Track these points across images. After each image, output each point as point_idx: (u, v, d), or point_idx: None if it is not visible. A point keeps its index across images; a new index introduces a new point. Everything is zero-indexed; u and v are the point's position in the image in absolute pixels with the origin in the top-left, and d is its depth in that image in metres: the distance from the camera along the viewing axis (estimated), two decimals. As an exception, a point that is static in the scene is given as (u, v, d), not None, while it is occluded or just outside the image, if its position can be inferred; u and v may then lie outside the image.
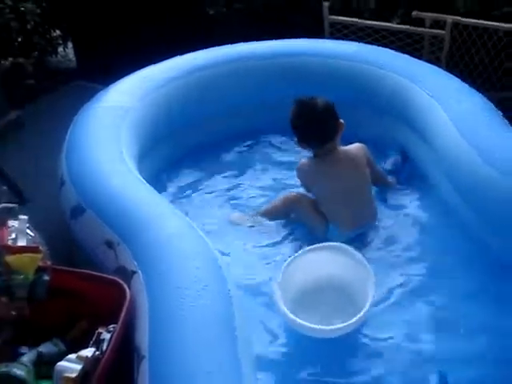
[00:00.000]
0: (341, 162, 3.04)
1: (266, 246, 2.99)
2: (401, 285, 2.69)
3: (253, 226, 3.11)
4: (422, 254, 2.88)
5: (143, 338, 2.02)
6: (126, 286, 2.22)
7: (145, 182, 2.76)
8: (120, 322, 2.10)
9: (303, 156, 3.18)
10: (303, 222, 3.08)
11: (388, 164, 3.37)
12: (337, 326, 2.33)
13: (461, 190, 2.95)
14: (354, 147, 3.10)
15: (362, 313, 2.33)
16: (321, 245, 2.65)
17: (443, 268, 2.80)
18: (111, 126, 3.09)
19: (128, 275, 2.31)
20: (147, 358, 1.93)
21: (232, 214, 3.21)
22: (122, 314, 2.12)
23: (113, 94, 3.38)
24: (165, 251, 2.28)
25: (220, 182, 3.50)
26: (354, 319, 2.32)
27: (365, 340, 2.45)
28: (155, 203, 2.58)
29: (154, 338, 1.97)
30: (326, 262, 2.57)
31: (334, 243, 2.66)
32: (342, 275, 2.55)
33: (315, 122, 2.99)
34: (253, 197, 3.36)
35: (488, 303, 2.59)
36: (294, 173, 3.22)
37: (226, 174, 3.55)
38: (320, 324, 2.35)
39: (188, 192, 3.41)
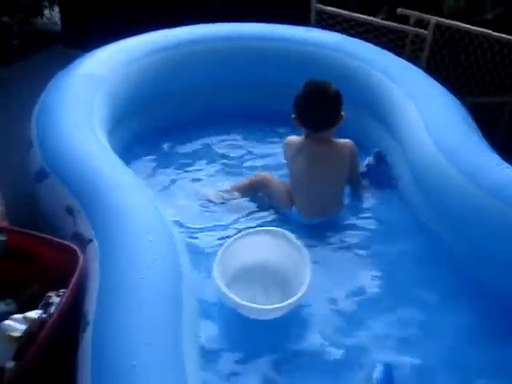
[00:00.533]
0: (325, 152, 3.07)
1: (231, 222, 3.03)
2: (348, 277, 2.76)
3: (223, 203, 3.16)
4: (378, 252, 2.92)
5: (91, 305, 2.04)
6: (79, 253, 2.24)
7: (112, 151, 2.77)
8: (70, 288, 2.12)
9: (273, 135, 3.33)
10: (271, 200, 3.14)
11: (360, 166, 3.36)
12: (267, 307, 2.36)
13: (425, 192, 3.00)
14: (343, 143, 3.12)
15: (294, 298, 2.36)
16: (262, 229, 2.69)
17: (396, 267, 2.84)
18: (84, 94, 3.09)
19: (84, 242, 2.33)
20: (91, 325, 1.96)
21: (203, 188, 3.25)
22: (73, 280, 2.14)
23: (89, 62, 3.38)
24: (122, 222, 2.30)
25: (190, 158, 3.54)
26: (286, 303, 2.35)
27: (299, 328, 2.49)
28: (119, 174, 2.59)
29: (101, 306, 2.00)
30: (266, 245, 2.60)
31: (275, 228, 2.69)
32: (279, 260, 2.58)
33: (320, 107, 3.00)
34: (222, 173, 3.42)
35: (438, 301, 2.66)
36: (264, 153, 3.38)
37: (196, 151, 3.60)
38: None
39: (158, 166, 3.44)
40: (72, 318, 2.11)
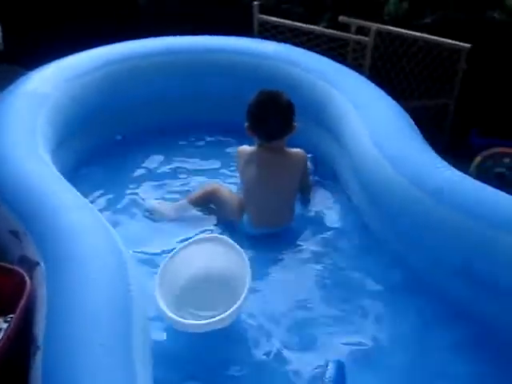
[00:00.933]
0: (276, 161, 3.09)
1: (183, 235, 2.99)
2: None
3: (172, 217, 3.16)
4: (331, 261, 2.94)
5: (40, 330, 2.01)
6: (26, 276, 2.21)
7: (56, 171, 2.74)
8: (17, 312, 2.09)
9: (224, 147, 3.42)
10: (221, 210, 3.15)
11: None
12: (208, 321, 2.35)
13: (370, 196, 3.06)
14: (296, 153, 3.14)
15: (232, 308, 2.36)
16: (202, 237, 2.71)
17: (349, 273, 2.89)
18: (27, 113, 3.07)
19: (31, 265, 2.30)
20: (41, 350, 1.93)
21: (153, 202, 3.25)
22: (20, 305, 2.11)
23: (33, 80, 3.35)
24: (68, 243, 2.27)
25: (139, 175, 3.52)
26: (226, 313, 2.35)
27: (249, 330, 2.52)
28: (64, 194, 2.56)
29: (50, 330, 1.97)
30: (207, 253, 2.61)
31: (215, 235, 2.74)
32: (223, 266, 2.58)
33: (273, 115, 3.03)
34: (172, 190, 3.39)
35: (388, 297, 2.75)
36: (215, 165, 3.46)
37: (145, 166, 3.58)
38: (203, 314, 2.42)
39: (106, 184, 3.40)
40: (21, 343, 2.08)
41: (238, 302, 2.37)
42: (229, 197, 3.15)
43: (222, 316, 2.35)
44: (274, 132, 3.06)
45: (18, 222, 2.45)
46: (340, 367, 2.26)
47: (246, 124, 3.07)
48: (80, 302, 2.02)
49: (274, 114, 3.03)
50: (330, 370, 2.24)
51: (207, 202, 3.19)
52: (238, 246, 2.57)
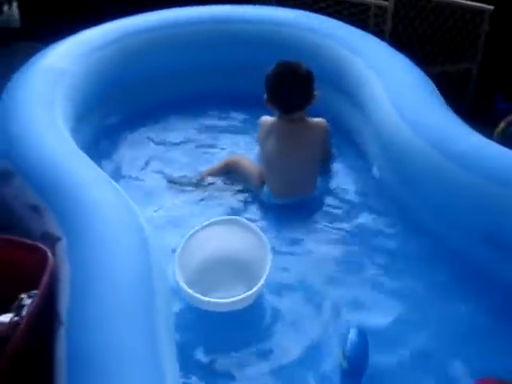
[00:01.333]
0: (297, 132, 3.05)
1: (203, 208, 3.03)
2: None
3: (195, 187, 3.15)
4: (354, 231, 2.92)
5: (63, 305, 2.02)
6: (49, 252, 2.20)
7: (76, 146, 2.72)
8: (40, 288, 2.09)
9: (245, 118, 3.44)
10: (242, 179, 3.13)
11: None
12: (229, 300, 2.35)
13: (394, 163, 3.01)
14: (317, 122, 3.09)
15: (255, 288, 2.35)
16: (220, 219, 2.66)
17: (375, 245, 2.85)
18: (46, 88, 3.03)
19: (53, 241, 2.29)
20: (65, 325, 1.94)
21: (174, 176, 3.23)
22: (43, 281, 2.11)
23: (50, 56, 3.31)
24: (90, 218, 2.26)
25: (162, 147, 3.50)
26: (249, 293, 2.34)
27: (268, 310, 2.50)
28: (84, 169, 2.55)
29: (73, 306, 1.97)
30: (226, 235, 2.58)
31: (233, 217, 2.69)
32: (241, 249, 2.56)
33: (292, 87, 2.98)
34: (191, 163, 3.36)
35: (410, 268, 2.72)
36: (234, 139, 3.43)
37: (164, 141, 3.55)
38: (220, 296, 2.40)
39: (127, 158, 3.39)
40: (45, 320, 2.08)
41: (259, 284, 2.36)
42: (249, 167, 3.14)
43: (244, 295, 2.34)
44: (294, 104, 3.02)
45: (39, 197, 2.44)
46: (362, 333, 2.26)
47: (265, 96, 3.03)
48: (102, 277, 2.03)
49: (293, 86, 2.98)
50: (352, 336, 2.24)
51: (227, 172, 3.18)
52: (257, 229, 2.56)
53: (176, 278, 2.37)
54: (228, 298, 2.37)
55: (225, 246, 2.57)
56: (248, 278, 2.47)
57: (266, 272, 2.39)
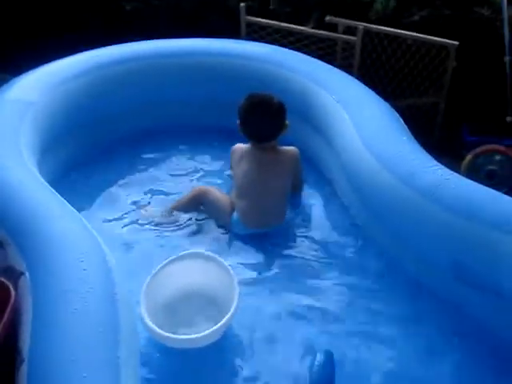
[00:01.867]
0: (268, 159, 3.07)
1: (170, 242, 3.00)
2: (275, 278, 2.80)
3: (162, 223, 3.12)
4: (322, 262, 2.93)
5: (25, 341, 1.97)
6: (10, 287, 2.17)
7: (41, 179, 2.69)
8: (1, 325, 2.05)
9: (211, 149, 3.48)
10: (211, 211, 3.12)
11: None
12: (194, 336, 2.32)
13: (361, 196, 3.04)
14: (288, 150, 3.12)
15: (219, 324, 2.32)
16: (186, 253, 2.63)
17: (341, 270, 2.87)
18: (11, 120, 3.02)
19: (16, 275, 2.26)
20: (26, 361, 1.90)
21: (143, 208, 3.21)
22: (5, 317, 2.07)
23: (17, 87, 3.29)
24: (53, 252, 2.22)
25: (127, 181, 3.48)
26: (214, 328, 2.31)
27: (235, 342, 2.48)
28: (49, 202, 2.52)
29: (35, 342, 1.93)
30: (192, 269, 2.57)
31: (199, 251, 2.67)
32: (207, 283, 2.55)
33: (263, 120, 3.04)
34: (162, 193, 3.36)
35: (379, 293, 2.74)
36: (204, 168, 3.49)
37: (132, 172, 3.54)
38: (187, 332, 2.37)
39: (94, 190, 3.37)
40: (7, 357, 2.04)
41: (224, 320, 2.33)
42: (218, 196, 3.13)
43: (211, 330, 2.31)
44: (266, 134, 3.06)
45: (3, 231, 2.41)
46: (328, 356, 2.26)
47: (238, 124, 3.06)
48: (65, 313, 1.98)
49: (264, 117, 3.03)
50: (319, 359, 2.24)
51: (197, 205, 3.16)
52: (223, 262, 2.54)
53: (141, 315, 2.34)
54: (196, 333, 2.34)
55: (191, 280, 2.55)
56: (215, 313, 2.44)
57: (233, 307, 2.37)
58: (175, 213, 3.16)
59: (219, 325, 2.32)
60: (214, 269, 2.54)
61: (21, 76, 3.41)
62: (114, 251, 2.43)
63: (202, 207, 3.16)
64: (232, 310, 2.35)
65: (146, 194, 3.36)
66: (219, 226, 3.08)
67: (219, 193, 3.16)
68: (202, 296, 2.54)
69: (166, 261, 2.55)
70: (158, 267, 2.52)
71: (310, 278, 2.82)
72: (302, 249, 2.99)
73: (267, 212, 3.03)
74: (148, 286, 2.43)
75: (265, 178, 3.03)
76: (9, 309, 2.09)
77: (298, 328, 2.54)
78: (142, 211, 3.19)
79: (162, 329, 2.31)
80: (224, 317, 2.34)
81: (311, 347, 2.42)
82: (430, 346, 2.49)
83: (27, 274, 2.20)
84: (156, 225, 3.12)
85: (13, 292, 2.15)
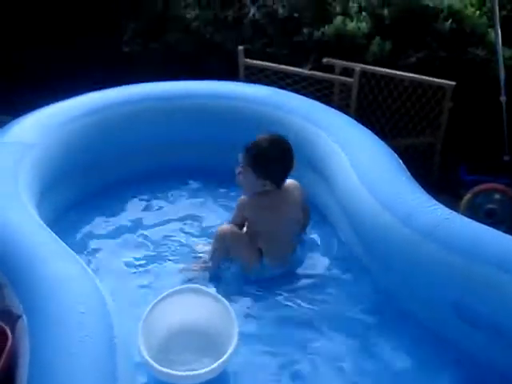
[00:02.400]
0: (284, 199, 3.06)
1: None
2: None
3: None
4: (326, 300, 2.94)
5: (21, 385, 1.95)
6: (8, 330, 2.15)
7: (39, 220, 2.69)
8: (-2, 368, 2.03)
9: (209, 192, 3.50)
10: (238, 257, 3.05)
11: None
12: (196, 372, 2.32)
13: (361, 237, 3.03)
14: (293, 184, 3.11)
15: (220, 361, 2.31)
16: (182, 287, 2.64)
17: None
18: (10, 162, 3.02)
19: (13, 319, 2.24)
20: (23, 407, 1.87)
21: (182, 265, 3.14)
22: (2, 360, 2.05)
23: (15, 129, 3.32)
24: (51, 295, 2.20)
25: (128, 221, 3.48)
26: (213, 366, 2.31)
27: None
28: (47, 244, 2.51)
29: (32, 385, 1.91)
30: (190, 305, 2.56)
31: (197, 286, 2.66)
32: (206, 319, 2.54)
33: (292, 165, 3.01)
34: (165, 236, 3.34)
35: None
36: (205, 211, 3.48)
37: (135, 213, 3.55)
38: (186, 368, 2.37)
39: (94, 231, 3.37)
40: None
41: (224, 357, 2.32)
42: (245, 241, 3.05)
43: (209, 368, 2.30)
44: (287, 176, 3.05)
45: (0, 273, 2.39)
46: None
47: (253, 173, 2.96)
48: (63, 358, 1.95)
49: (291, 163, 3.01)
50: None
51: (227, 249, 3.06)
52: (222, 298, 2.54)
53: (140, 351, 2.32)
54: (194, 369, 2.34)
55: (189, 316, 2.54)
56: (215, 348, 2.43)
57: (233, 344, 2.36)
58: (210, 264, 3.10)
59: (218, 362, 2.30)
60: (212, 304, 2.53)
61: (20, 118, 3.43)
62: (111, 294, 2.41)
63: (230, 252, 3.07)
64: (232, 346, 2.34)
65: (146, 237, 3.34)
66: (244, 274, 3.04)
67: (244, 236, 3.08)
68: (200, 332, 2.53)
69: (162, 296, 2.54)
70: (154, 302, 2.51)
71: (311, 317, 2.82)
72: (305, 289, 2.99)
73: (291, 247, 3.08)
74: (145, 321, 2.42)
75: (287, 215, 3.05)
76: (6, 352, 2.07)
77: (301, 365, 2.54)
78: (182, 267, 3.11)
79: (158, 363, 2.29)
80: (224, 352, 2.33)
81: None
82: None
83: (24, 316, 2.18)
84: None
85: (10, 335, 2.13)
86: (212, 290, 2.82)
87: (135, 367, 2.29)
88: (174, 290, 2.58)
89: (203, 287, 2.64)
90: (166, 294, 2.55)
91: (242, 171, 3.00)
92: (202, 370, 2.31)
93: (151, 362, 2.30)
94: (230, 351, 2.33)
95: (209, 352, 2.45)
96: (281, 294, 2.94)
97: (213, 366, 2.31)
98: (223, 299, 2.54)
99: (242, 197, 3.10)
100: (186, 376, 2.33)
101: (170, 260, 3.16)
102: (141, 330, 2.38)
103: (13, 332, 2.17)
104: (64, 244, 2.57)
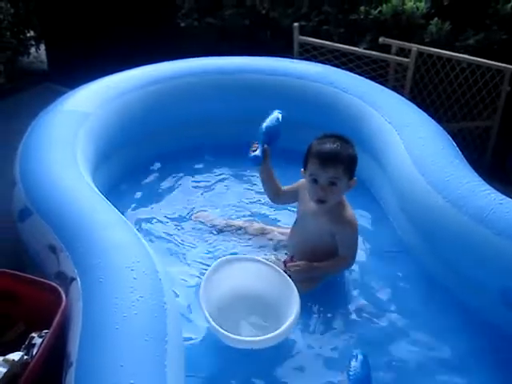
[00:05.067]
0: None
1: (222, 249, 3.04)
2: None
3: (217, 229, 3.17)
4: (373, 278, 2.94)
5: (74, 346, 2.01)
6: (62, 292, 2.22)
7: (95, 189, 2.75)
8: (52, 328, 2.09)
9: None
10: None
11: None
12: (257, 338, 2.38)
13: (411, 219, 3.01)
14: None
15: (284, 325, 2.38)
16: (247, 256, 2.71)
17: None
18: (68, 131, 3.08)
19: (67, 281, 2.30)
20: (74, 366, 1.93)
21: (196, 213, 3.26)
22: (55, 320, 2.11)
23: (74, 99, 3.37)
24: (105, 260, 2.26)
25: (179, 194, 3.52)
26: (278, 331, 2.36)
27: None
28: (102, 211, 2.56)
29: (84, 346, 1.97)
30: (249, 272, 2.62)
31: (255, 257, 2.72)
32: (266, 288, 2.59)
33: None
34: (221, 209, 3.39)
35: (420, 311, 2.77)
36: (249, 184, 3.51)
37: (185, 186, 3.58)
38: (240, 334, 2.42)
39: (145, 202, 3.42)
40: (55, 360, 2.08)
41: (290, 320, 2.38)
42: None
43: (277, 332, 2.35)
44: None
45: (56, 237, 2.46)
46: (365, 359, 2.25)
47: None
48: (115, 321, 2.01)
49: None
50: (355, 361, 2.24)
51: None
52: (280, 270, 2.59)
53: (205, 316, 2.38)
54: (249, 335, 2.42)
55: (246, 283, 2.60)
56: (272, 317, 2.50)
57: (295, 312, 2.41)
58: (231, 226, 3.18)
59: (284, 327, 2.37)
60: (270, 274, 2.59)
61: (78, 88, 3.49)
62: (163, 260, 2.48)
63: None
64: (293, 315, 2.40)
65: (195, 207, 3.39)
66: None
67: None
68: (257, 299, 2.58)
69: (220, 260, 2.61)
70: (213, 267, 2.57)
71: (358, 296, 2.83)
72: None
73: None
74: (204, 286, 2.47)
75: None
76: (59, 313, 2.13)
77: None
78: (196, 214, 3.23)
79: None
80: (281, 322, 2.40)
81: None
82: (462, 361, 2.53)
83: (78, 280, 2.25)
84: (206, 231, 3.16)
85: (64, 297, 2.20)
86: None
87: (184, 331, 2.34)
88: (232, 258, 2.66)
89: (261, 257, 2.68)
90: (224, 259, 2.63)
91: (329, 187, 2.71)
92: (265, 336, 2.36)
93: (218, 328, 2.35)
94: (292, 317, 2.39)
95: (269, 320, 2.51)
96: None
97: (277, 332, 2.35)
98: (281, 271, 2.59)
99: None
100: (250, 341, 2.38)
101: (223, 233, 3.18)
102: (202, 298, 2.43)
103: (67, 294, 2.24)
104: (118, 211, 2.63)
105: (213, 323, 2.36)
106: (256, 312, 2.57)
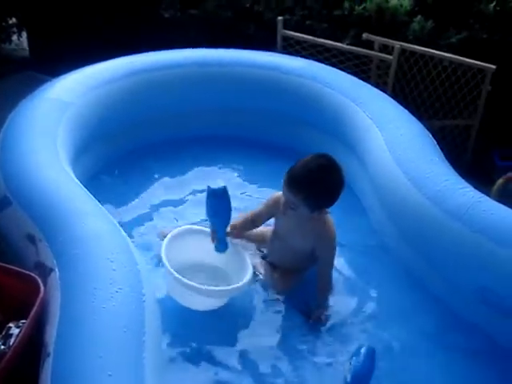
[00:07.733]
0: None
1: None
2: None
3: None
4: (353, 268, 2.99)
5: (51, 336, 2.01)
6: (40, 282, 2.21)
7: (74, 178, 2.74)
8: (29, 318, 2.09)
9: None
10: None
11: None
12: (217, 288, 2.57)
13: (390, 214, 3.03)
14: None
15: (243, 280, 2.54)
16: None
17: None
18: (49, 120, 3.07)
19: (46, 272, 2.30)
20: (52, 356, 1.92)
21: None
22: (33, 311, 2.11)
23: (55, 87, 3.35)
24: (84, 251, 2.26)
25: (160, 184, 3.53)
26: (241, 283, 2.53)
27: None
28: (81, 201, 2.56)
29: (61, 337, 1.96)
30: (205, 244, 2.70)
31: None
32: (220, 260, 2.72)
33: None
34: (190, 202, 3.38)
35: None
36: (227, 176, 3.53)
37: (164, 178, 3.57)
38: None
39: (125, 191, 3.42)
40: (32, 350, 2.07)
41: (247, 275, 2.55)
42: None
43: (242, 283, 2.52)
44: None
45: (35, 227, 2.45)
46: (370, 351, 2.31)
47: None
48: (92, 312, 2.01)
49: None
50: (361, 354, 2.30)
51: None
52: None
53: (167, 269, 2.47)
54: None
55: (201, 254, 2.72)
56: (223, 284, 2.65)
57: (248, 274, 2.57)
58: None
59: (245, 280, 2.54)
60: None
61: (61, 77, 3.46)
62: (141, 251, 2.50)
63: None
64: (248, 275, 2.57)
65: (172, 202, 3.38)
66: None
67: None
68: (213, 269, 2.73)
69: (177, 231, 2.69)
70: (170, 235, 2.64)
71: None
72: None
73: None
74: (166, 250, 2.54)
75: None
76: (37, 303, 2.13)
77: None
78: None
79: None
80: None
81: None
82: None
83: (57, 270, 2.24)
84: None
85: (42, 287, 2.19)
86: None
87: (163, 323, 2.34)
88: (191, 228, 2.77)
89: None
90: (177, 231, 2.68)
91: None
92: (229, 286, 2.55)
93: (183, 278, 2.45)
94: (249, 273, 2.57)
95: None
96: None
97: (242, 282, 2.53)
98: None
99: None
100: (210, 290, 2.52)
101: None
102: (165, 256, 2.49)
103: (45, 284, 2.23)
104: (98, 202, 2.62)
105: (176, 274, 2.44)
106: (210, 279, 2.68)
